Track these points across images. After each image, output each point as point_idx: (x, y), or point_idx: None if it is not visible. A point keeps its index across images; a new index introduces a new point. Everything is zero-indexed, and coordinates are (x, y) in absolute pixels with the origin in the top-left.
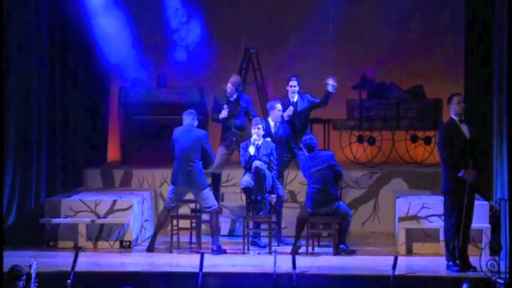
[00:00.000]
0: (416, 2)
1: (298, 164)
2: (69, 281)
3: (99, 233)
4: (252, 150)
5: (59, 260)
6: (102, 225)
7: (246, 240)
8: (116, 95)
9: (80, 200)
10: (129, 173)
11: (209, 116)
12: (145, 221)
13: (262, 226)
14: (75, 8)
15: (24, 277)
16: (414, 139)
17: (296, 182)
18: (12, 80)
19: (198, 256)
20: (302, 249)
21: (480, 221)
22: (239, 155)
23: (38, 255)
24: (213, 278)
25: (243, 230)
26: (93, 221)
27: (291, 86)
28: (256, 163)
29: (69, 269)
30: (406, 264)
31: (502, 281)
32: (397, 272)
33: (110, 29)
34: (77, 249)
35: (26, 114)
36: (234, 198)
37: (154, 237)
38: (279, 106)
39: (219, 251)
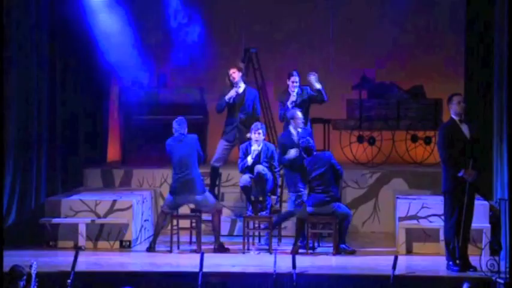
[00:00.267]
0: (417, 1)
1: None
2: (69, 281)
3: (99, 233)
4: (249, 160)
5: (59, 260)
6: (102, 225)
7: (246, 240)
8: (115, 95)
9: (80, 200)
10: (129, 173)
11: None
12: (145, 221)
13: (262, 226)
14: (75, 8)
15: (24, 277)
16: (414, 139)
17: None
18: (12, 80)
19: (198, 256)
20: (302, 249)
21: (480, 221)
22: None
23: (38, 255)
24: (213, 278)
25: (243, 230)
26: (93, 221)
27: (292, 82)
28: (258, 168)
29: (69, 269)
30: (406, 264)
31: (502, 281)
32: (397, 272)
33: (110, 29)
34: (77, 249)
35: (26, 114)
36: (234, 198)
37: (154, 238)
38: (299, 114)
39: (221, 249)
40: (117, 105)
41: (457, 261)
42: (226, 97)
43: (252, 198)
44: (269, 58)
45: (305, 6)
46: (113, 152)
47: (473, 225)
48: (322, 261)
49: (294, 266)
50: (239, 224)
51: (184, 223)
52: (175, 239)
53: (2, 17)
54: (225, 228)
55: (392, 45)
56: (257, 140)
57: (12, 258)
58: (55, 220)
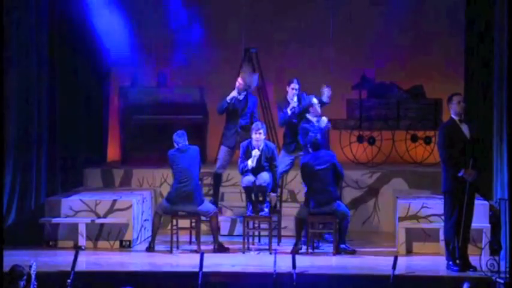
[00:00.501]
0: (417, 1)
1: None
2: (69, 280)
3: (99, 233)
4: (250, 164)
5: (59, 260)
6: (102, 225)
7: (246, 240)
8: (116, 95)
9: (80, 199)
10: (129, 173)
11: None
12: (145, 220)
13: (262, 226)
14: (75, 8)
15: (25, 277)
16: (414, 139)
17: (296, 182)
18: (12, 80)
19: (198, 256)
20: (302, 249)
21: (480, 221)
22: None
23: (38, 255)
24: (213, 277)
25: (243, 230)
26: (93, 221)
27: (292, 89)
28: (260, 181)
29: (69, 268)
30: (406, 264)
31: (502, 281)
32: (397, 272)
33: (110, 29)
34: (77, 248)
35: (26, 114)
36: (234, 198)
37: (153, 238)
38: (315, 100)
39: (221, 248)
40: (117, 105)
41: (457, 261)
42: (228, 98)
43: (253, 197)
44: (269, 58)
45: (305, 6)
46: (113, 152)
47: (473, 225)
48: (322, 261)
49: (294, 266)
50: (239, 224)
51: (184, 223)
52: (175, 239)
53: (2, 17)
54: (225, 228)
55: (392, 45)
56: (257, 140)
57: (12, 258)
58: (55, 220)
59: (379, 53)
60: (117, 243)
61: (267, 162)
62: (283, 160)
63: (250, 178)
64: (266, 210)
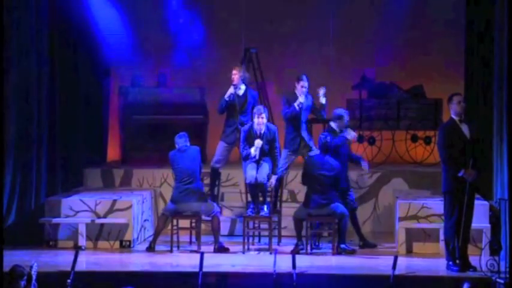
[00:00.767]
0: (417, 1)
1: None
2: (69, 280)
3: (99, 233)
4: (253, 153)
5: (59, 260)
6: (102, 225)
7: (246, 240)
8: (116, 94)
9: (80, 199)
10: (129, 173)
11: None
12: (145, 220)
13: (262, 226)
14: (75, 8)
15: (25, 277)
16: (414, 139)
17: (296, 182)
18: (12, 80)
19: (198, 256)
20: (302, 249)
21: (480, 221)
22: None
23: (38, 255)
24: (213, 277)
25: (243, 230)
26: (93, 221)
27: (301, 87)
28: (260, 178)
29: (69, 268)
30: (406, 264)
31: (502, 281)
32: (397, 272)
33: (110, 29)
34: (77, 249)
35: (26, 114)
36: (234, 198)
37: (154, 238)
38: (346, 117)
39: (222, 249)
40: (117, 105)
41: (457, 261)
42: (226, 96)
43: (257, 193)
44: (269, 58)
45: (305, 6)
46: (113, 152)
47: (473, 225)
48: (322, 261)
49: (294, 266)
50: (239, 224)
51: (184, 223)
52: (175, 239)
53: (2, 17)
54: (225, 228)
55: (392, 45)
56: (260, 124)
57: (12, 258)
58: (55, 220)
59: (379, 53)
60: (117, 243)
61: (267, 144)
62: (285, 161)
63: (253, 173)
64: (266, 210)
